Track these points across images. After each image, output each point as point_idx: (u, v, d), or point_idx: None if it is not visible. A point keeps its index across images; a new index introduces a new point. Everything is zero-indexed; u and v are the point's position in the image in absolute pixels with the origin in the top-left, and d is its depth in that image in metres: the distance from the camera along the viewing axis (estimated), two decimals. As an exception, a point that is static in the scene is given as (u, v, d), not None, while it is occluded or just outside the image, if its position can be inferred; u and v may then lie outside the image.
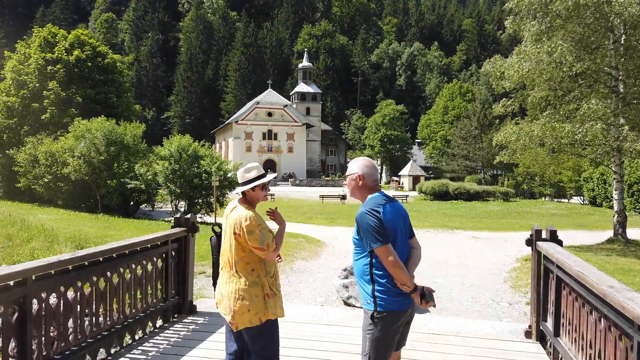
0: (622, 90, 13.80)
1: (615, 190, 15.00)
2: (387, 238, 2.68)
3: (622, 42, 13.65)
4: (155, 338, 4.59)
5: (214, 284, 3.16)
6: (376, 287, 2.74)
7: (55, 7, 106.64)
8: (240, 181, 3.11)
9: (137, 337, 4.56)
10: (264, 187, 3.13)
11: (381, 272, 2.72)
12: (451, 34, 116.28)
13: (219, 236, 3.20)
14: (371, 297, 2.75)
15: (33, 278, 3.29)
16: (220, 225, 3.24)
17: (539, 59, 13.35)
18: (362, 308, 6.82)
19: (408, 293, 2.72)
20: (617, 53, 13.68)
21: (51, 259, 3.58)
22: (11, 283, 3.12)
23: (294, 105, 70.85)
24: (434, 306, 2.77)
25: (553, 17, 13.53)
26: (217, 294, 3.13)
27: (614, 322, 2.89)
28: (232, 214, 3.07)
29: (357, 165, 2.90)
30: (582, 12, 13.02)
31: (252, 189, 3.07)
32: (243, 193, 3.10)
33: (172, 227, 5.28)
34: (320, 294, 7.70)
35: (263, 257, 3.02)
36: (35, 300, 3.33)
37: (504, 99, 16.08)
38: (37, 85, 29.26)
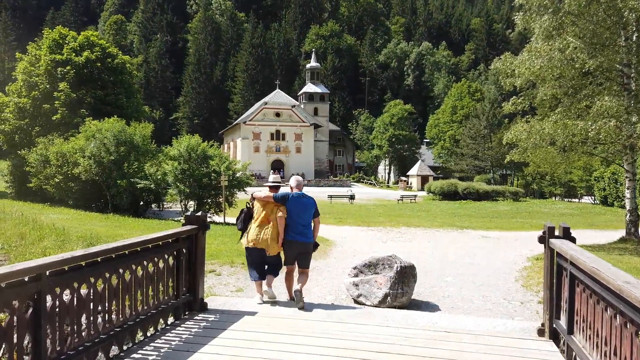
0: (634, 87, 13.64)
1: (627, 189, 14.83)
2: (284, 206, 5.82)
3: (635, 39, 13.49)
4: (166, 335, 4.61)
5: (243, 232, 6.05)
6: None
7: (65, 10, 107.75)
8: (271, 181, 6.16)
9: (149, 334, 4.58)
10: (271, 188, 6.05)
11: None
12: (459, 33, 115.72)
13: (249, 208, 6.05)
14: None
15: (47, 274, 3.30)
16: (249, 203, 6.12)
17: (551, 56, 13.23)
18: (372, 306, 6.80)
19: (292, 234, 5.83)
20: (630, 50, 13.52)
21: (65, 255, 3.60)
22: (26, 279, 3.14)
23: (302, 106, 70.84)
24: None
25: (565, 14, 13.39)
26: (256, 238, 5.80)
27: (630, 319, 2.85)
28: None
29: (291, 181, 6.05)
30: (594, 8, 12.87)
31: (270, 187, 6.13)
32: (276, 187, 6.08)
33: (183, 224, 5.30)
34: (330, 292, 7.69)
35: (280, 221, 5.83)
36: (49, 296, 3.34)
37: (514, 97, 15.95)
38: (47, 86, 29.53)
